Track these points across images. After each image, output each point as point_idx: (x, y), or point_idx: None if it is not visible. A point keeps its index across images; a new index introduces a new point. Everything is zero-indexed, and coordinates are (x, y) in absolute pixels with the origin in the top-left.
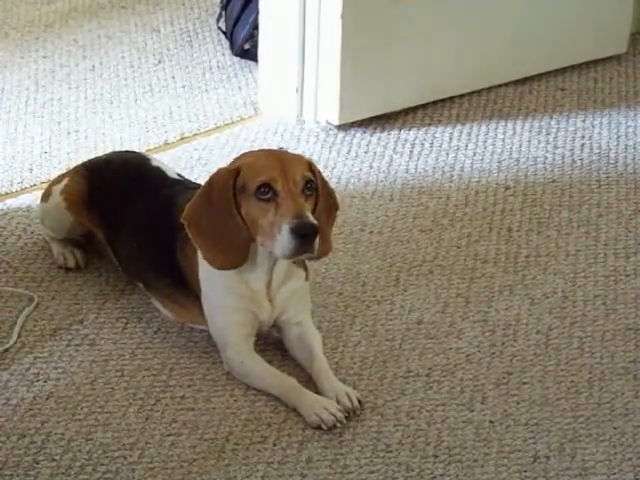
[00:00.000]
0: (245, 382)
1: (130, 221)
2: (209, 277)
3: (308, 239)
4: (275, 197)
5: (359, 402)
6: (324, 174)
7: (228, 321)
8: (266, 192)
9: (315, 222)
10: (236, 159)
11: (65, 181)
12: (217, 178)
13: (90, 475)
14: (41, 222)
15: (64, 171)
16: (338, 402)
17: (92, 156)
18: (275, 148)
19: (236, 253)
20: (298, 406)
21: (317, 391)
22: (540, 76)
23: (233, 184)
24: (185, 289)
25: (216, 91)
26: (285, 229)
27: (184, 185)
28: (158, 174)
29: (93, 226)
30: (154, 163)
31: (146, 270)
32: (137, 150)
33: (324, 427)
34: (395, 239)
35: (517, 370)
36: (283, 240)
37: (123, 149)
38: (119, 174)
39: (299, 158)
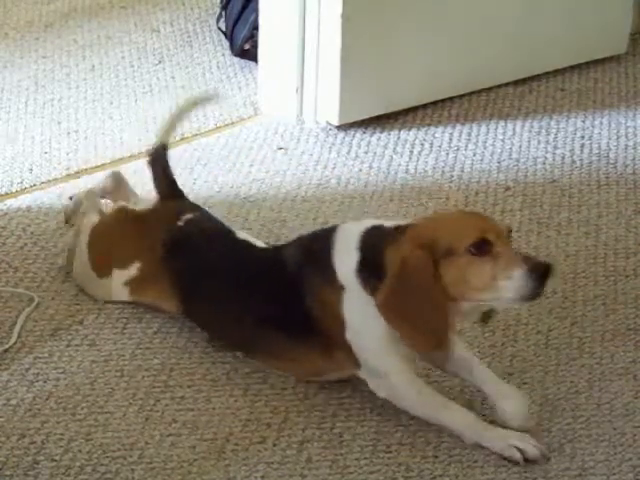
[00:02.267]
0: (415, 412)
1: (225, 289)
2: (358, 311)
3: (545, 279)
4: (491, 250)
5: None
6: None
7: (388, 347)
8: (481, 247)
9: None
10: (413, 230)
11: (134, 269)
12: (412, 259)
13: (90, 475)
14: (74, 272)
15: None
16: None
17: (92, 156)
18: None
19: (437, 335)
20: (482, 439)
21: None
22: (540, 76)
23: (432, 258)
24: (306, 340)
25: (216, 91)
26: (519, 273)
27: (280, 247)
28: (248, 245)
29: (160, 302)
30: (240, 235)
31: (252, 334)
32: (137, 150)
33: (521, 460)
34: None
35: (517, 370)
36: (517, 285)
37: (123, 149)
38: (207, 252)
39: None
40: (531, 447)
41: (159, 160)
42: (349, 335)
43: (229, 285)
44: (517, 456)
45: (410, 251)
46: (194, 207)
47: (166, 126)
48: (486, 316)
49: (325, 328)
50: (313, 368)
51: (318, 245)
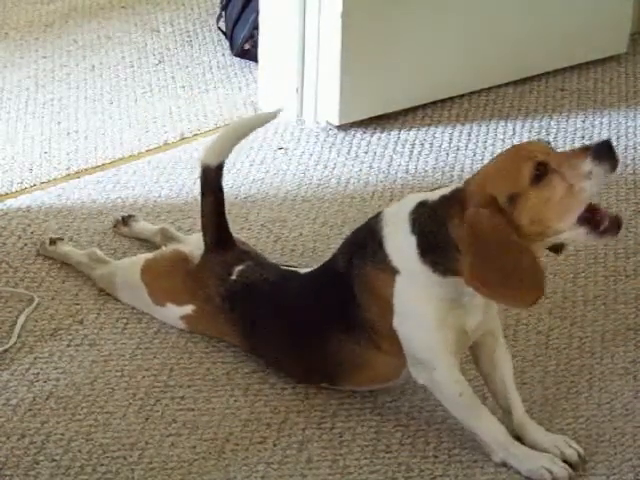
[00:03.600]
0: (449, 409)
1: (289, 326)
2: (410, 296)
3: (613, 151)
4: (549, 169)
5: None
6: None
7: (436, 337)
8: (540, 174)
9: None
10: (465, 193)
11: (190, 308)
12: (480, 221)
13: (90, 475)
14: (120, 292)
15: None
16: (562, 454)
17: (92, 156)
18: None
19: (538, 283)
20: (510, 458)
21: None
22: (540, 76)
23: (499, 211)
24: (358, 335)
25: (216, 91)
26: (590, 165)
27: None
28: (300, 275)
29: (222, 337)
30: (302, 270)
31: (326, 357)
32: (137, 150)
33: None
34: None
35: (517, 370)
36: (597, 177)
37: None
38: (268, 296)
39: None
40: (559, 468)
41: (213, 195)
42: (396, 322)
43: (291, 320)
44: (546, 476)
45: (474, 214)
46: (243, 254)
47: (223, 140)
48: (559, 246)
49: (371, 317)
50: (376, 367)
51: (363, 235)
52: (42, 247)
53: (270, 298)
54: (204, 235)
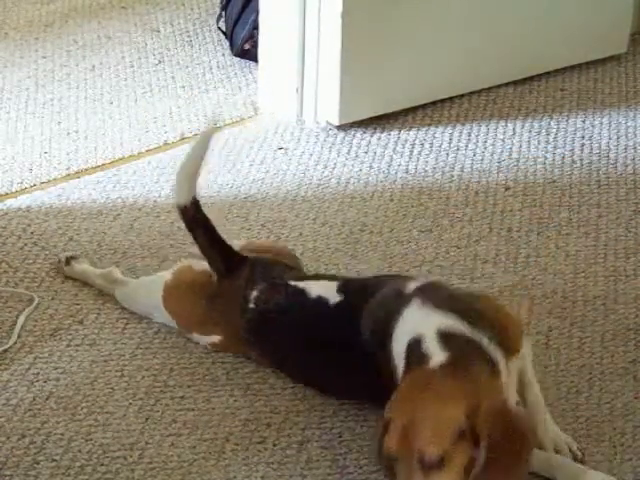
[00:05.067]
0: None
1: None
2: None
3: None
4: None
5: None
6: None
7: None
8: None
9: None
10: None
11: (216, 338)
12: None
13: (90, 475)
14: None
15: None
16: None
17: (92, 156)
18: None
19: None
20: None
21: None
22: (540, 76)
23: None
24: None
25: (216, 91)
26: None
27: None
28: (320, 298)
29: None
30: (313, 290)
31: (372, 376)
32: (137, 150)
33: None
34: (395, 239)
35: None
36: None
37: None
38: (292, 323)
39: (442, 413)
40: None
41: (201, 227)
42: None
43: (325, 346)
44: None
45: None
46: (254, 271)
47: (183, 179)
48: None
49: None
50: None
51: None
52: (59, 267)
53: (296, 324)
54: (211, 266)
